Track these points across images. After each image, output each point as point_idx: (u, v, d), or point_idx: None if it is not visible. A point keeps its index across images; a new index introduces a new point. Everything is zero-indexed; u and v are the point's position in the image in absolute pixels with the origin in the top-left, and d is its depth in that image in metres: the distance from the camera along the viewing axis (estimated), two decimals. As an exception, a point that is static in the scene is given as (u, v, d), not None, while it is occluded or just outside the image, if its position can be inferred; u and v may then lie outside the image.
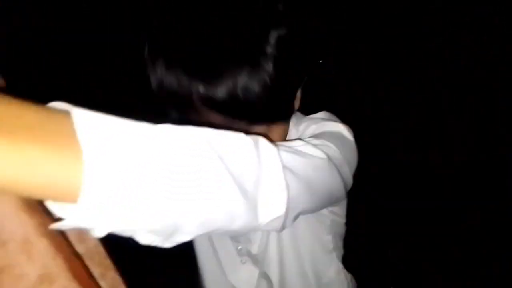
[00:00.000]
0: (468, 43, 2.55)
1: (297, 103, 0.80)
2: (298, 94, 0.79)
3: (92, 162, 0.31)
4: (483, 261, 2.29)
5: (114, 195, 0.33)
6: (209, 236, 0.93)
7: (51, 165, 0.30)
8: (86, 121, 0.32)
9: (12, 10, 2.41)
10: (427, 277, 2.26)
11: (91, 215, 0.32)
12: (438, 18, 2.57)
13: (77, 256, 0.38)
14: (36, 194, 0.32)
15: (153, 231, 0.38)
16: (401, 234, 2.37)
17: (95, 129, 0.32)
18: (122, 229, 0.36)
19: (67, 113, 0.32)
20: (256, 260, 0.91)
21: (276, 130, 0.74)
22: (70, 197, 0.32)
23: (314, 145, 0.63)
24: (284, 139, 0.80)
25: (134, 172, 0.34)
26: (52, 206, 0.34)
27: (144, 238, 0.39)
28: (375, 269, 1.01)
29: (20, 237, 0.34)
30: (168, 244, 0.42)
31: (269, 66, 0.61)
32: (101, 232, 0.35)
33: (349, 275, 0.98)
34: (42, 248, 0.35)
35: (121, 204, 0.34)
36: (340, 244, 0.97)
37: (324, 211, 0.85)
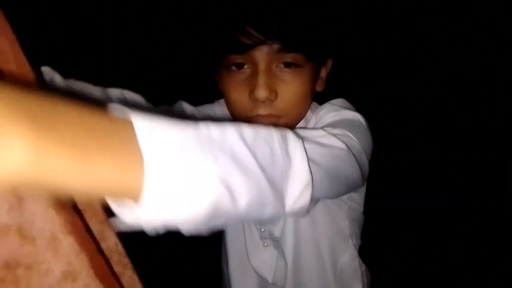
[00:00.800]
0: (468, 43, 2.55)
1: (321, 85, 0.88)
2: (323, 75, 0.87)
3: (152, 168, 0.35)
4: (483, 261, 2.30)
5: (170, 196, 0.37)
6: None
7: (117, 173, 0.33)
8: (146, 128, 0.36)
9: (12, 10, 2.40)
10: (427, 277, 2.27)
11: (149, 212, 0.36)
12: (438, 18, 2.57)
13: (101, 253, 0.38)
14: (104, 196, 0.36)
15: (197, 223, 0.42)
16: (401, 234, 2.37)
17: (154, 136, 0.36)
18: (171, 224, 0.40)
19: (128, 120, 0.36)
20: (277, 242, 0.94)
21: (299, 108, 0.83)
22: (132, 199, 0.35)
23: (335, 135, 0.67)
24: (304, 123, 0.88)
25: (186, 173, 0.38)
26: (114, 206, 0.38)
27: (187, 229, 0.43)
28: (375, 269, 1.02)
29: (48, 234, 0.34)
30: (205, 231, 0.46)
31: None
32: (152, 228, 0.40)
33: (363, 265, 0.99)
34: (68, 245, 0.35)
35: (175, 203, 0.38)
36: (358, 232, 0.99)
37: (343, 197, 0.89)
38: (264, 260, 0.97)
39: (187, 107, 0.94)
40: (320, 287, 0.95)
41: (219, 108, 0.99)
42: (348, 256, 0.96)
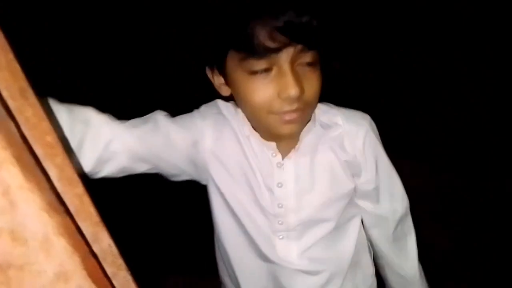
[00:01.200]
0: (468, 43, 2.56)
1: None
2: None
3: None
4: (483, 260, 2.30)
5: None
6: (233, 214, 1.00)
7: None
8: None
9: (12, 10, 2.41)
10: (427, 275, 2.27)
11: None
12: (438, 18, 2.57)
13: (93, 255, 0.39)
14: None
15: None
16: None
17: None
18: None
19: None
20: (295, 232, 0.98)
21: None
22: None
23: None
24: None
25: None
26: None
27: None
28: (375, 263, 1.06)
29: (40, 236, 0.35)
30: None
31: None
32: None
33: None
34: (60, 246, 0.36)
35: None
36: None
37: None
38: (282, 251, 0.99)
39: (162, 120, 0.91)
40: (335, 265, 1.03)
41: (200, 120, 0.95)
42: (361, 236, 1.08)
